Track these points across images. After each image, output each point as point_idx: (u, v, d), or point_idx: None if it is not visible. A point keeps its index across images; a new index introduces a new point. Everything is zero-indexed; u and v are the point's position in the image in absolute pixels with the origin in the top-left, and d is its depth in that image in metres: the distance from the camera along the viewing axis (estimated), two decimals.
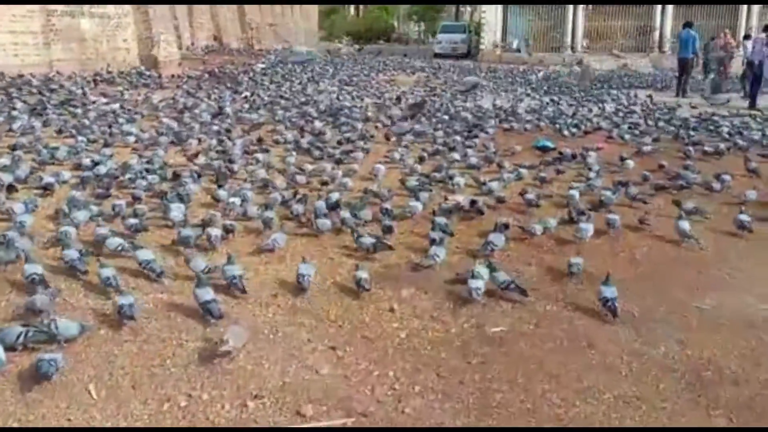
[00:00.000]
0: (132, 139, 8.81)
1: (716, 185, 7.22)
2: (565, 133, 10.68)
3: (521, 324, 4.08)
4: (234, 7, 29.77)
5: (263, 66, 20.93)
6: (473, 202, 6.36)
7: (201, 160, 7.84)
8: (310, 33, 41.16)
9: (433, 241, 5.16)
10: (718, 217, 6.34)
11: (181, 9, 24.29)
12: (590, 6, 29.16)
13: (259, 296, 4.35)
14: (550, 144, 9.76)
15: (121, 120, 10.07)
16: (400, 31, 56.72)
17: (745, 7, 27.62)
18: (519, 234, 5.66)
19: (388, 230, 5.54)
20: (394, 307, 4.24)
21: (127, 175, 6.90)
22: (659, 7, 28.58)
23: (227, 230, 5.38)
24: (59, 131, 9.28)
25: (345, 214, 5.78)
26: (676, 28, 28.61)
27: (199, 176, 7.08)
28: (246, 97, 13.50)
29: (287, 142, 9.26)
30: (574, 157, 8.64)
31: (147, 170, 7.11)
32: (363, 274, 4.45)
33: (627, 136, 10.29)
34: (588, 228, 5.58)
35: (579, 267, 4.77)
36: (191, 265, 4.56)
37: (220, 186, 6.78)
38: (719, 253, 5.42)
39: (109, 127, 9.44)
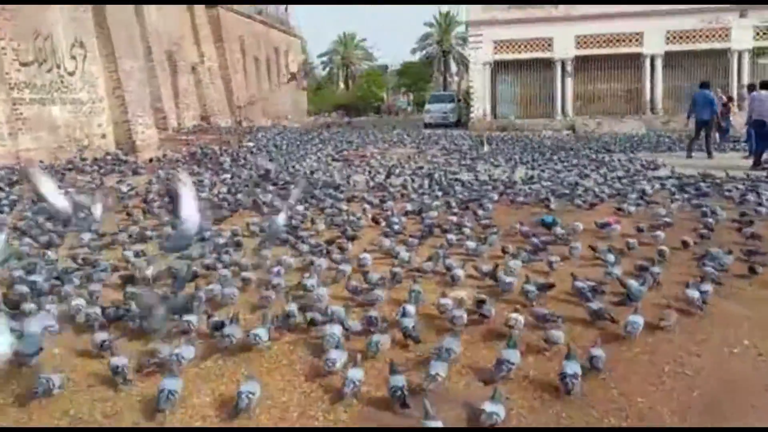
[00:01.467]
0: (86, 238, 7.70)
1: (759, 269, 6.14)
2: (577, 202, 9.80)
3: None
4: (221, 86, 29.48)
5: (252, 144, 20.16)
6: (480, 303, 5.26)
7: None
8: (299, 108, 41.01)
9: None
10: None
11: (167, 90, 23.80)
12: (575, 72, 28.84)
13: None
14: (555, 220, 8.78)
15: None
16: (389, 102, 56.79)
17: (735, 64, 27.32)
18: (538, 344, 4.56)
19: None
20: None
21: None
22: (648, 68, 28.24)
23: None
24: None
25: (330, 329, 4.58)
26: (667, 90, 28.39)
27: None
28: (226, 180, 12.58)
29: (262, 231, 8.23)
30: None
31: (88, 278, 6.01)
32: None
33: (632, 209, 9.30)
34: (638, 321, 4.58)
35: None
36: None
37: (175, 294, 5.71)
38: None
39: (64, 225, 8.33)
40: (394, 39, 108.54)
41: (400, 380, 3.77)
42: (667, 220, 8.37)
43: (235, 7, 31.74)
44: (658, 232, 7.49)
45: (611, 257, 6.56)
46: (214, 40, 29.28)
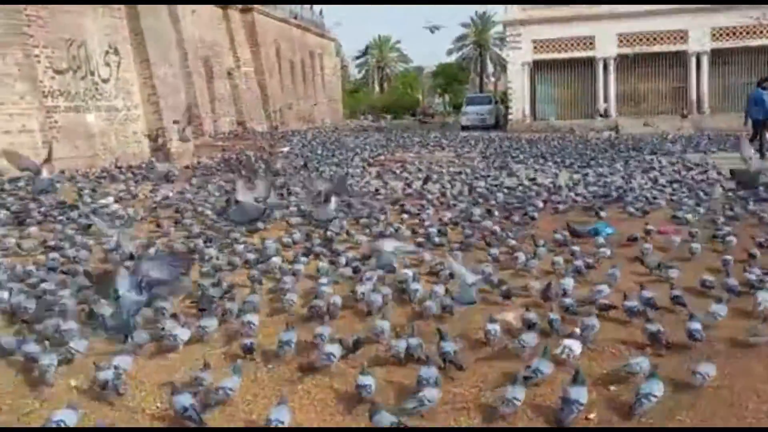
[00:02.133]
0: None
1: None
2: (630, 210, 9.16)
3: None
4: (257, 90, 29.36)
5: (287, 150, 19.82)
6: (532, 325, 4.77)
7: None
8: (335, 111, 40.78)
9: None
10: None
11: (203, 96, 23.72)
12: (619, 69, 27.99)
13: None
14: (610, 230, 8.20)
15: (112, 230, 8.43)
16: (424, 105, 56.27)
17: None
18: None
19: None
20: None
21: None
22: (694, 66, 27.26)
23: None
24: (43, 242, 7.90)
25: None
26: (714, 88, 27.36)
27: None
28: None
29: (295, 243, 7.83)
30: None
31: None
32: None
33: (690, 216, 8.64)
34: (709, 371, 3.83)
35: None
36: None
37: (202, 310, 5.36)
38: None
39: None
40: (429, 40, 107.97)
41: None
42: (728, 229, 7.78)
43: (270, 11, 31.62)
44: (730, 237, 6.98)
45: (674, 272, 6.02)
46: (250, 44, 29.16)
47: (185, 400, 3.56)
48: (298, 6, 36.72)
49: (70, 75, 14.64)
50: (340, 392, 3.99)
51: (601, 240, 7.37)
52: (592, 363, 4.27)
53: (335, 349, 4.28)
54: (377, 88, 60.43)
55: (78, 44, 14.86)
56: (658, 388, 3.55)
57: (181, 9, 22.50)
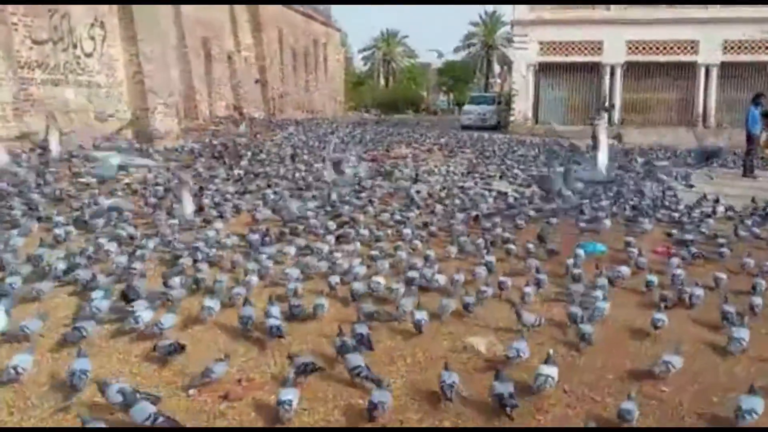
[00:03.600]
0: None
1: None
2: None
3: None
4: (256, 76, 28.45)
5: (283, 136, 18.92)
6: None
7: None
8: (336, 102, 39.84)
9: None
10: None
11: (200, 78, 22.82)
12: (626, 77, 27.09)
13: None
14: (601, 248, 7.41)
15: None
16: (428, 101, 55.37)
17: None
18: None
19: None
20: None
21: None
22: (702, 78, 26.37)
23: None
24: None
25: None
26: (720, 101, 26.48)
27: None
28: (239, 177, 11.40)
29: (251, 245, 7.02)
30: None
31: None
32: None
33: (689, 237, 7.72)
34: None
35: None
36: None
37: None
38: None
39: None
40: (438, 37, 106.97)
41: None
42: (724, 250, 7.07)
43: None
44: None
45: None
46: (252, 29, 28.20)
47: None
48: None
49: (50, 46, 13.75)
50: None
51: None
52: None
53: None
54: (382, 82, 59.46)
55: (61, 14, 13.96)
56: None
57: None
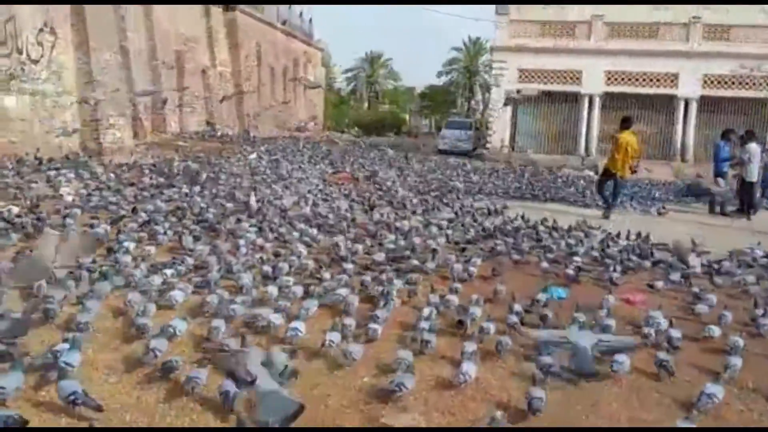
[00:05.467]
0: None
1: None
2: (613, 274, 7.02)
3: None
4: (232, 91, 27.37)
5: (254, 157, 17.59)
6: None
7: None
8: (315, 121, 38.76)
9: None
10: None
11: (170, 91, 21.70)
12: (605, 107, 26.33)
13: None
14: (563, 294, 6.35)
15: None
16: (411, 124, 54.49)
17: None
18: None
19: None
20: None
21: None
22: (681, 112, 25.68)
23: None
24: None
25: None
26: (699, 135, 25.77)
27: None
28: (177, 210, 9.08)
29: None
30: None
31: None
32: None
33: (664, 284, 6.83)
34: None
35: None
36: None
37: None
38: None
39: None
40: (421, 61, 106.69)
41: None
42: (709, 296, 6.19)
43: (255, 13, 29.68)
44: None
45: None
46: (229, 44, 27.17)
47: None
48: (287, 10, 34.80)
49: None
50: None
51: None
52: None
53: None
54: (366, 104, 58.59)
55: (5, 18, 12.77)
56: None
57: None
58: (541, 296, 5.94)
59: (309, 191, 12.09)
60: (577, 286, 6.81)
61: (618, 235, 9.36)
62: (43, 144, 13.23)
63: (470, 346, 4.45)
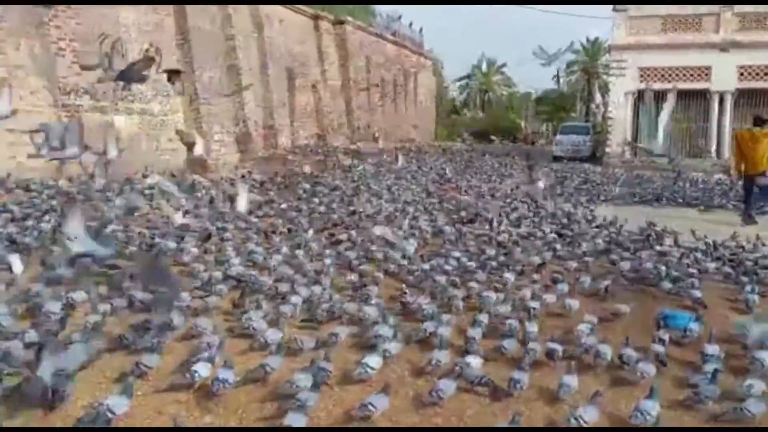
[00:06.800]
0: None
1: None
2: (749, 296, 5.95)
3: None
4: (342, 106, 27.47)
5: (360, 169, 17.37)
6: None
7: None
8: (426, 131, 38.22)
9: None
10: None
11: (282, 107, 21.99)
12: (737, 105, 23.89)
13: None
14: (688, 323, 5.26)
15: None
16: (527, 130, 52.70)
17: None
18: None
19: None
20: None
21: None
22: None
23: None
24: None
25: None
26: None
27: None
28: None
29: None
30: None
31: None
32: None
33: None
34: None
35: None
36: None
37: None
38: None
39: None
40: (537, 65, 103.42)
41: None
42: None
43: (365, 25, 29.66)
44: None
45: None
46: (339, 58, 27.29)
47: None
48: (397, 21, 34.63)
49: (99, 73, 12.88)
50: None
51: None
52: None
53: None
54: (480, 112, 57.33)
55: (113, 40, 13.09)
56: None
57: (267, 16, 20.95)
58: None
59: (407, 202, 11.48)
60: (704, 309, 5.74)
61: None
62: (150, 161, 13.49)
63: None
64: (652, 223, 9.51)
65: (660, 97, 24.52)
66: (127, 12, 13.34)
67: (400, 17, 35.63)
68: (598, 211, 11.52)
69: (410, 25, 36.80)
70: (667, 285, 6.31)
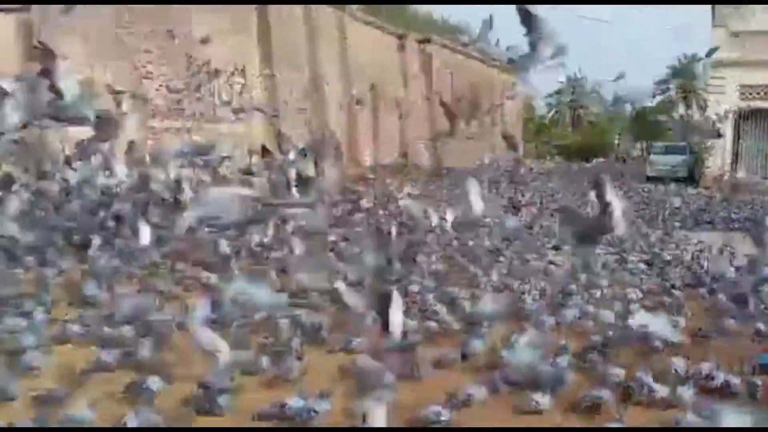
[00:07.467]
0: None
1: None
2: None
3: None
4: (425, 123, 27.36)
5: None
6: None
7: None
8: (511, 147, 37.37)
9: None
10: None
11: (365, 125, 22.13)
12: None
13: None
14: None
15: None
16: (619, 149, 50.90)
17: None
18: None
19: None
20: None
21: None
22: None
23: None
24: None
25: None
26: None
27: None
28: None
29: None
30: None
31: None
32: None
33: None
34: None
35: None
36: None
37: None
38: None
39: None
40: (632, 81, 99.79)
41: None
42: None
43: (450, 43, 29.44)
44: None
45: None
46: (423, 76, 27.24)
47: None
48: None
49: (186, 95, 13.31)
50: None
51: None
52: None
53: None
54: (570, 128, 55.80)
55: (200, 63, 13.53)
56: None
57: (353, 36, 21.21)
58: None
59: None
60: None
61: None
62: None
63: None
64: None
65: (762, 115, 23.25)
66: (212, 38, 13.59)
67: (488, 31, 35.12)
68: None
69: (497, 42, 36.26)
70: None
